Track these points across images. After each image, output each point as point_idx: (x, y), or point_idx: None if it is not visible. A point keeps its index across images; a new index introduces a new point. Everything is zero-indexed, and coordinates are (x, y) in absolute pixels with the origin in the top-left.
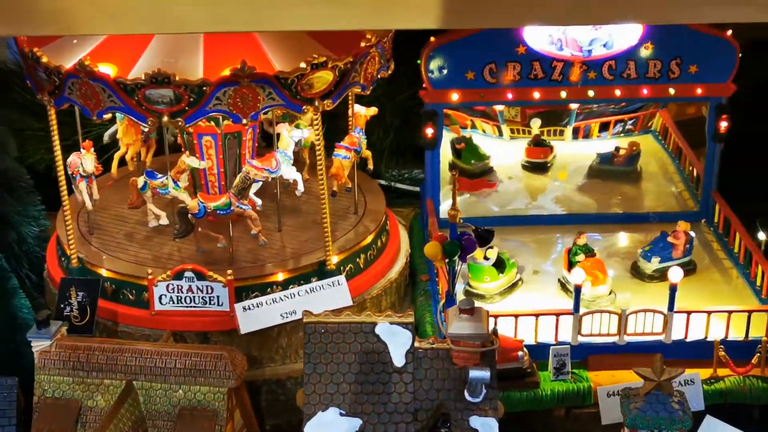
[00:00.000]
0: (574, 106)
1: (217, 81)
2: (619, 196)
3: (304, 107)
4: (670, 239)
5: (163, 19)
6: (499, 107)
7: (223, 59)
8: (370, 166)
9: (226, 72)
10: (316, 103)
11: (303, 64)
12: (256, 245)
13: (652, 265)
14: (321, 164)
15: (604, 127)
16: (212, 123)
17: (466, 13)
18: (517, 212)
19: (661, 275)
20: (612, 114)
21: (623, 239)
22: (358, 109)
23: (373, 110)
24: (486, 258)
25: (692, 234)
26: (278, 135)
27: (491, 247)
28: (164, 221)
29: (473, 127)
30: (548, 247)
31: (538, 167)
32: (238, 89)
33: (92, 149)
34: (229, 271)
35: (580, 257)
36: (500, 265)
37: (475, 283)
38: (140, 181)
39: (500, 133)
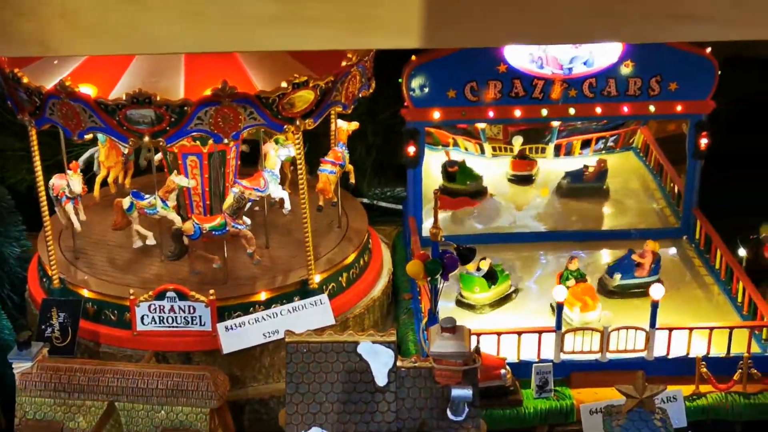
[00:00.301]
0: (556, 123)
1: (198, 101)
2: (599, 214)
3: (285, 126)
4: (634, 257)
5: (143, 40)
6: (481, 125)
7: (205, 79)
8: (352, 180)
9: (207, 92)
10: (298, 122)
11: (284, 84)
12: (236, 265)
13: (614, 281)
14: (303, 184)
15: (585, 144)
16: (197, 142)
17: (445, 33)
18: (500, 230)
19: (622, 292)
20: (595, 131)
21: (605, 256)
22: (341, 123)
23: (354, 125)
24: (478, 269)
25: (667, 253)
26: (265, 154)
27: (484, 258)
28: (151, 241)
29: (455, 145)
30: (532, 264)
31: (523, 179)
32: (220, 109)
33: (79, 170)
34: (211, 291)
35: (571, 282)
36: (492, 276)
37: (465, 293)
38: (126, 202)
39: (482, 151)
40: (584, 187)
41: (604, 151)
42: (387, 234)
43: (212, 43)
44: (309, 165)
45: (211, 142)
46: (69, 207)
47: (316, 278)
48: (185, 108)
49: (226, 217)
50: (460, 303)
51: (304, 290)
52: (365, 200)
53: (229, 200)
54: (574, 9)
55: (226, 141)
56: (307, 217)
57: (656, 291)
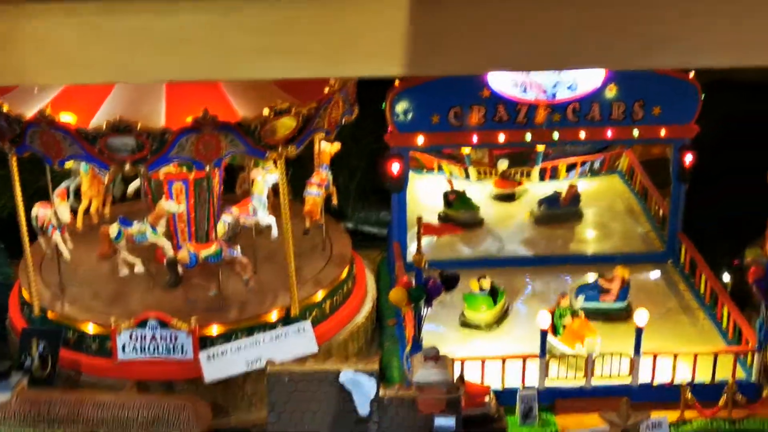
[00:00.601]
0: (541, 146)
1: (179, 129)
2: (585, 238)
3: (267, 153)
4: (601, 281)
5: (122, 70)
6: (466, 149)
7: (186, 106)
8: (335, 202)
9: (188, 120)
10: (280, 149)
11: (266, 111)
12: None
13: (578, 302)
14: (286, 212)
15: (571, 168)
16: (183, 168)
17: (427, 62)
18: (487, 255)
19: (585, 313)
20: (581, 153)
21: (591, 279)
22: (324, 145)
23: (336, 146)
24: (482, 289)
25: (651, 278)
26: (253, 180)
27: (484, 277)
28: (139, 268)
29: (440, 169)
30: (520, 288)
31: (506, 198)
32: (201, 136)
33: (67, 198)
34: (193, 319)
35: (567, 319)
36: (494, 294)
37: (471, 313)
38: (113, 230)
39: (467, 175)
40: (561, 213)
41: (589, 174)
42: (372, 258)
43: (193, 73)
44: (293, 187)
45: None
46: (56, 237)
47: (299, 305)
48: (166, 136)
49: (222, 243)
50: (466, 324)
51: (287, 317)
52: (349, 225)
53: (222, 228)
54: (554, 37)
55: (207, 168)
56: (290, 245)
57: (640, 317)
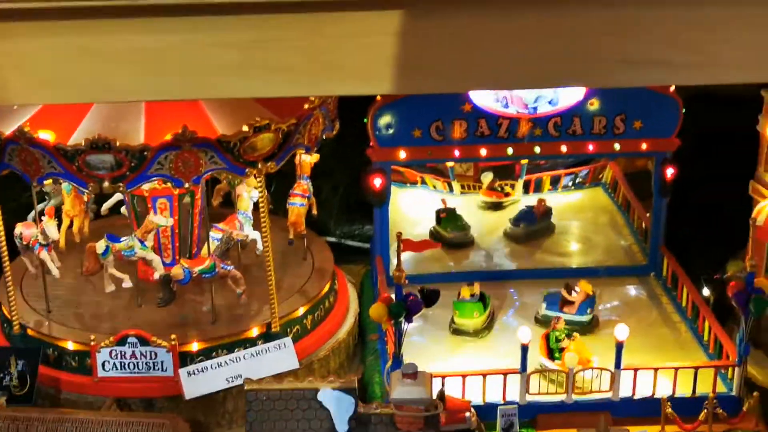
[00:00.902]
0: (524, 160)
1: (158, 146)
2: (569, 251)
3: (247, 170)
4: (563, 292)
5: (101, 90)
6: (449, 163)
7: (165, 123)
8: (315, 212)
9: (168, 137)
10: (260, 166)
11: (245, 128)
12: (197, 309)
13: (541, 310)
14: (266, 229)
15: (555, 181)
16: (169, 184)
17: (408, 80)
18: (471, 268)
19: (546, 321)
20: (564, 166)
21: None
22: (304, 156)
23: (315, 156)
24: (472, 295)
25: (633, 291)
26: (238, 196)
27: (471, 283)
28: (128, 284)
29: (423, 183)
30: (505, 302)
31: (494, 206)
32: (180, 153)
33: (54, 216)
34: (173, 336)
35: (565, 343)
36: (483, 299)
37: (463, 320)
38: (100, 246)
39: (451, 189)
40: (537, 229)
41: (573, 187)
42: (355, 273)
43: (173, 92)
44: (277, 201)
45: None
46: (44, 255)
47: (280, 321)
48: (145, 153)
49: (215, 259)
50: (458, 332)
51: (267, 333)
52: (333, 239)
53: (213, 246)
54: (533, 56)
55: (187, 185)
56: (270, 261)
57: (620, 332)
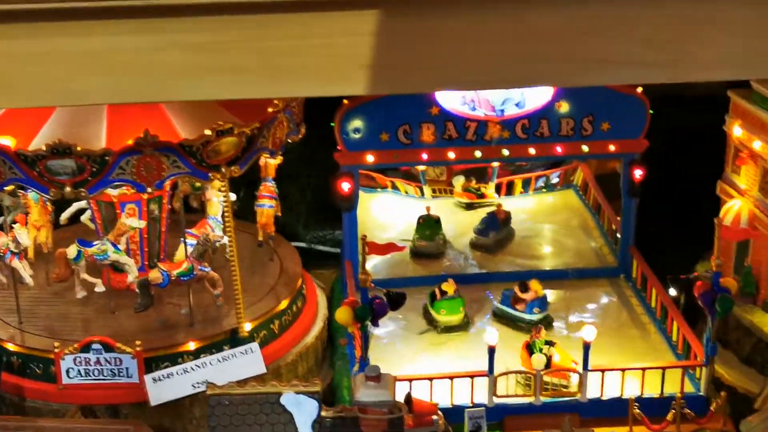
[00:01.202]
0: (495, 163)
1: (119, 150)
2: (541, 253)
3: (210, 174)
4: (516, 290)
5: (59, 93)
6: (421, 167)
7: (127, 128)
8: (279, 213)
9: (129, 141)
10: (223, 170)
11: (208, 131)
12: (164, 313)
13: (498, 304)
14: (231, 232)
15: (527, 183)
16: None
17: (372, 81)
18: (441, 271)
19: (501, 315)
20: (532, 169)
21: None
22: (268, 159)
23: (279, 158)
24: (455, 291)
25: (603, 293)
26: (208, 200)
27: (446, 281)
28: (100, 288)
29: (394, 187)
30: (481, 303)
31: (469, 206)
32: (142, 158)
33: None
34: (138, 342)
35: (551, 351)
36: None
37: (450, 317)
38: (72, 251)
39: (422, 193)
40: (503, 236)
41: (545, 189)
42: (326, 278)
43: (132, 95)
44: (245, 206)
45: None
46: (16, 263)
47: (247, 326)
48: (106, 158)
49: (192, 261)
50: (449, 329)
51: (234, 339)
52: (302, 244)
53: (190, 250)
54: (505, 55)
55: (149, 190)
56: (236, 264)
57: (588, 333)
